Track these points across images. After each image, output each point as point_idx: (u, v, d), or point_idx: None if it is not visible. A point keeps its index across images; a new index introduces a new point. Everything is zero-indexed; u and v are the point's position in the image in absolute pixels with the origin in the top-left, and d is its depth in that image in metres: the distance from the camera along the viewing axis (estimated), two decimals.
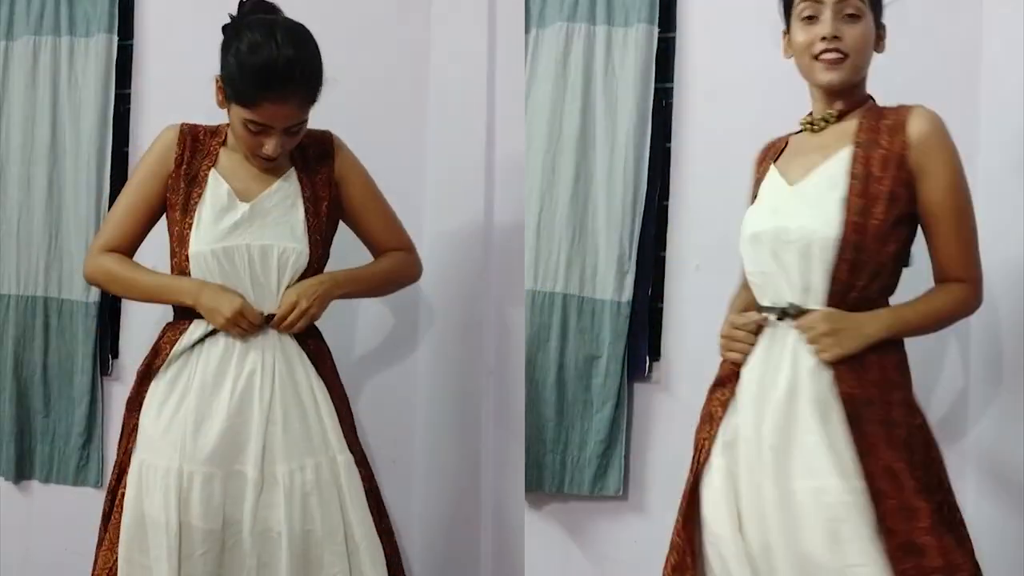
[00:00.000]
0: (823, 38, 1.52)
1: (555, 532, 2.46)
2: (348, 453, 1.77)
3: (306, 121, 1.74)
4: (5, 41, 2.50)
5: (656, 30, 2.32)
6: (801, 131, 1.65)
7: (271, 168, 1.78)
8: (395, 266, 1.96)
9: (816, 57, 1.54)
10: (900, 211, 1.48)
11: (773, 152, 1.70)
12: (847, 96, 1.58)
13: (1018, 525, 2.05)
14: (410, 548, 2.43)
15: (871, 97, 1.61)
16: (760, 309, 1.57)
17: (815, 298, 1.49)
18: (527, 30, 2.42)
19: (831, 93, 1.57)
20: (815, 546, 1.41)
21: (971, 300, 1.56)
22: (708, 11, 2.34)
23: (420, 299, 2.45)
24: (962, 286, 1.55)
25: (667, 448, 2.33)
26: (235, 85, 1.66)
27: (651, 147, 2.33)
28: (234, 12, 1.74)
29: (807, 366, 1.47)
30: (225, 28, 1.73)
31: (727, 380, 1.59)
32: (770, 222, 1.55)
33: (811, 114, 1.64)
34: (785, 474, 1.45)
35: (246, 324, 1.70)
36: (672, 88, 2.37)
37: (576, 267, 2.37)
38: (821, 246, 1.47)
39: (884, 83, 2.14)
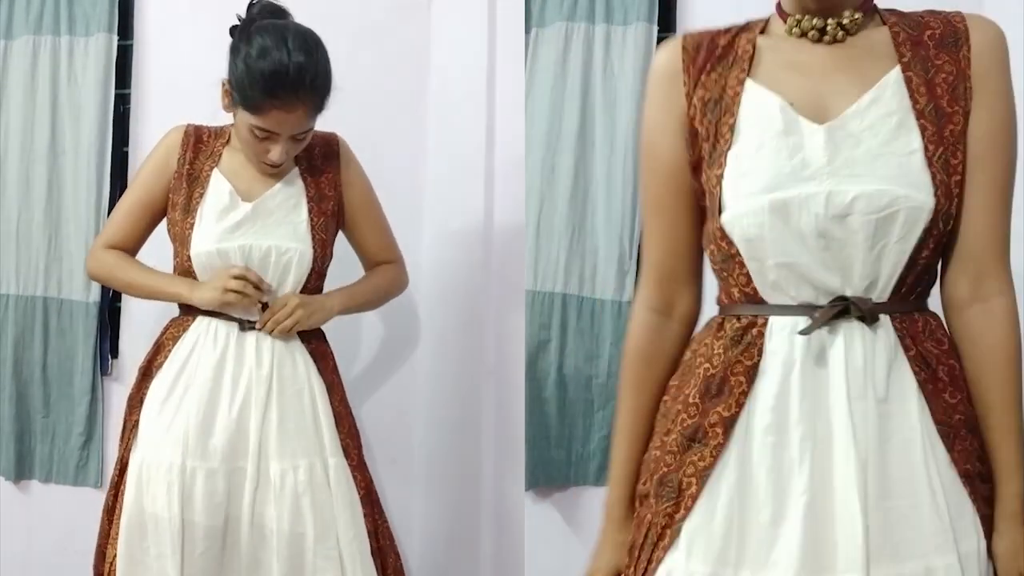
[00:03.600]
0: None
1: (556, 526, 2.46)
2: (341, 457, 1.76)
3: (312, 128, 1.73)
4: (4, 40, 2.49)
5: (655, 29, 2.32)
6: (751, 29, 1.17)
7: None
8: (386, 281, 1.97)
9: None
10: (964, 152, 1.07)
11: (727, 54, 1.15)
12: None
13: None
14: (410, 548, 2.43)
15: None
16: (761, 307, 1.10)
17: (881, 292, 1.06)
18: (527, 30, 2.42)
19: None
20: None
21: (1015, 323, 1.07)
22: (707, 11, 2.34)
23: (420, 299, 2.45)
24: (1003, 307, 1.08)
25: None
26: (243, 91, 1.64)
27: None
28: (240, 13, 1.72)
29: (911, 389, 1.05)
30: (234, 31, 1.71)
31: (707, 427, 1.09)
32: (808, 184, 1.04)
33: (799, 20, 1.13)
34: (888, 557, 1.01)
35: (242, 285, 1.68)
36: None
37: (575, 267, 2.37)
38: (909, 219, 1.03)
39: None
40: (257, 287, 1.71)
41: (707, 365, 1.11)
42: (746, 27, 1.18)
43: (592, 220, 2.36)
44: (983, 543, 1.05)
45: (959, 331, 1.09)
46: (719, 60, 1.15)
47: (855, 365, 1.04)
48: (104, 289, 2.45)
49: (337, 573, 1.69)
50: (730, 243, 1.10)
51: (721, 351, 1.10)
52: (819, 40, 1.12)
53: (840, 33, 1.11)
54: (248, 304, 1.72)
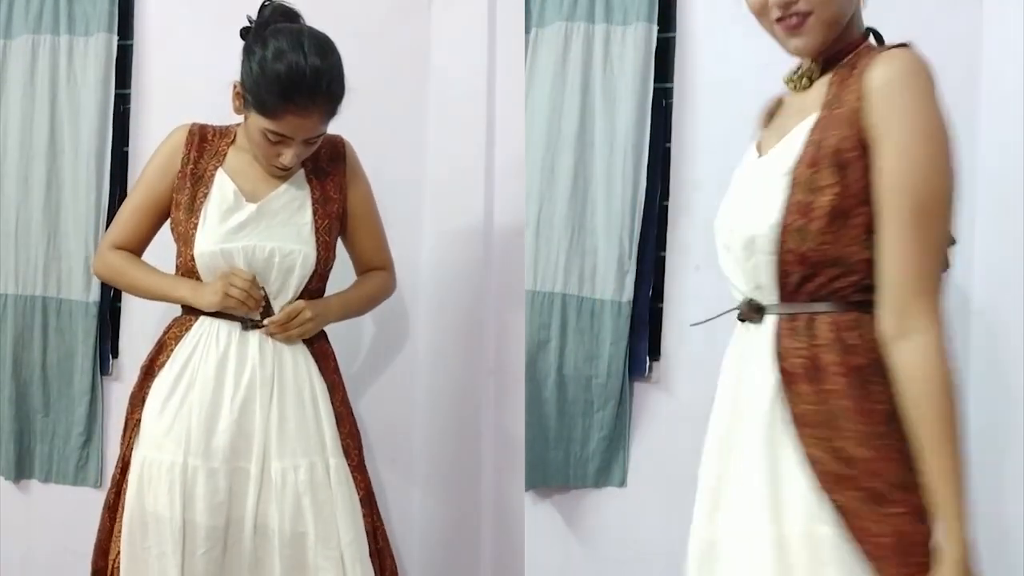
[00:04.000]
0: (774, 2, 1.22)
1: (556, 526, 2.46)
2: (341, 457, 1.76)
3: (325, 131, 1.73)
4: (3, 39, 2.49)
5: (655, 29, 2.32)
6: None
7: None
8: (378, 288, 1.98)
9: (777, 20, 1.23)
10: (856, 181, 1.15)
11: (767, 114, 1.40)
12: (834, 46, 1.25)
13: (1018, 524, 2.06)
14: (410, 548, 2.43)
15: (867, 38, 1.27)
16: None
17: (768, 294, 1.23)
18: (527, 30, 2.42)
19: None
20: None
21: (933, 356, 1.11)
22: (708, 11, 2.34)
23: (420, 299, 2.45)
24: (911, 340, 1.12)
25: (668, 448, 2.34)
26: (258, 95, 1.64)
27: (651, 147, 2.33)
28: (250, 14, 1.70)
29: (770, 379, 1.20)
30: (246, 33, 1.69)
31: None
32: (725, 209, 1.30)
33: (799, 66, 1.32)
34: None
35: (240, 283, 1.68)
36: (672, 88, 2.37)
37: (575, 267, 2.37)
38: (762, 236, 1.19)
39: None
40: (255, 296, 1.71)
41: None
42: None
43: (592, 220, 2.36)
44: (823, 528, 1.12)
45: (890, 365, 1.14)
46: (766, 116, 1.40)
47: (735, 354, 1.27)
48: (104, 289, 2.45)
49: (338, 573, 1.68)
50: None
51: None
52: (794, 88, 1.31)
53: (804, 81, 1.28)
54: (249, 307, 1.72)
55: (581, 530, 2.46)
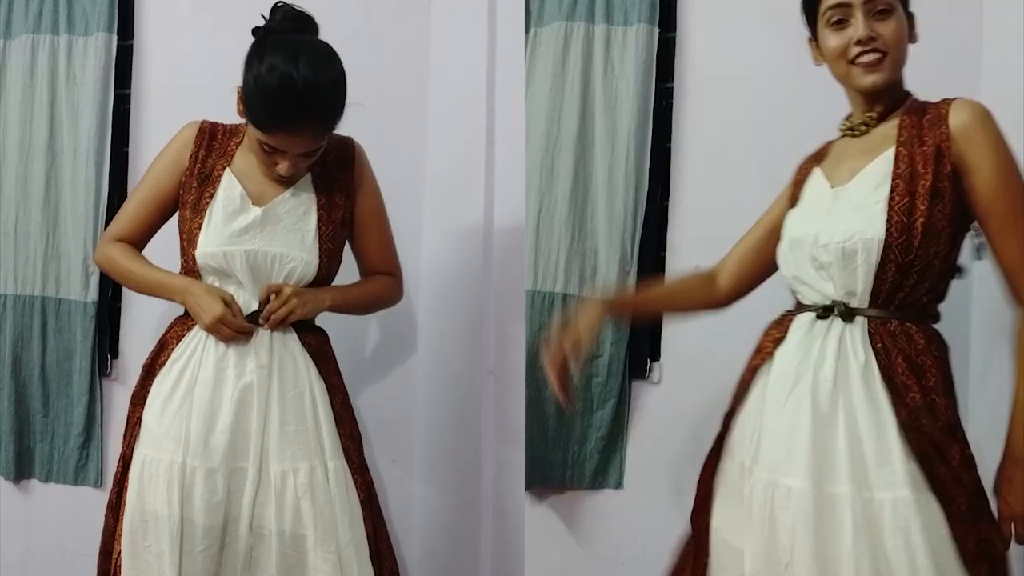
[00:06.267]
0: (858, 41, 1.45)
1: (555, 527, 2.46)
2: (341, 460, 1.75)
3: (323, 145, 1.72)
4: (3, 40, 2.49)
5: (656, 30, 2.32)
6: (842, 136, 1.60)
7: None
8: (382, 290, 1.95)
9: (853, 61, 1.48)
10: (947, 208, 1.43)
11: (816, 156, 1.65)
12: (887, 96, 1.51)
13: None
14: (410, 548, 2.43)
15: (910, 93, 1.54)
16: (799, 308, 1.54)
17: (860, 301, 1.46)
18: (527, 30, 2.42)
19: (873, 95, 1.51)
20: (896, 557, 1.35)
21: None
22: (708, 11, 2.34)
23: (420, 299, 2.45)
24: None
25: (667, 448, 2.34)
26: (251, 108, 1.64)
27: (651, 147, 2.33)
28: (261, 13, 1.69)
29: (858, 362, 1.43)
30: (254, 33, 1.68)
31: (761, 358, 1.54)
32: (811, 226, 1.50)
33: (849, 118, 1.58)
34: (829, 477, 1.38)
35: (227, 333, 1.69)
36: (672, 88, 2.37)
37: (576, 267, 2.37)
38: (865, 248, 1.42)
39: None
40: (242, 337, 1.71)
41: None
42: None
43: (592, 220, 2.36)
44: (919, 495, 1.36)
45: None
46: (814, 158, 1.66)
47: (831, 346, 1.46)
48: (102, 289, 2.45)
49: (335, 575, 1.68)
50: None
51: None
52: (852, 135, 1.56)
53: (863, 128, 1.53)
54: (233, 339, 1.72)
55: (581, 530, 2.46)
